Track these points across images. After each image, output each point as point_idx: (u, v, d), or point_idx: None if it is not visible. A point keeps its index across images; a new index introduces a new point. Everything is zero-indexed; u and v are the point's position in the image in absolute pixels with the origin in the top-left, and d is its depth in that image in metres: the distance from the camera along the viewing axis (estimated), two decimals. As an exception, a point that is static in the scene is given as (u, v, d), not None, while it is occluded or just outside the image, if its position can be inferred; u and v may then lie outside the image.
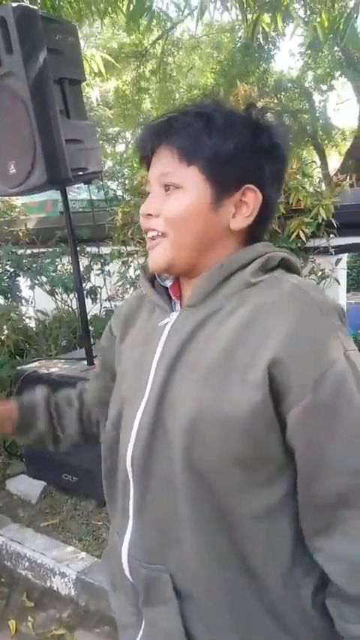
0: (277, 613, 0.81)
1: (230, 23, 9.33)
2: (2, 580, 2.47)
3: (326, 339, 0.74)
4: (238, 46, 11.10)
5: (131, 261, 3.37)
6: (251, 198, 0.82)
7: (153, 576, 0.83)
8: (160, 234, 0.83)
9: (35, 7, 2.26)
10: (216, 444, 0.76)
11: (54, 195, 4.32)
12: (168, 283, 0.92)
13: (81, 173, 2.38)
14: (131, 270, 3.34)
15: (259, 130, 0.81)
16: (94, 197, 3.27)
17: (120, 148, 14.98)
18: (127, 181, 4.40)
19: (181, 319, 0.85)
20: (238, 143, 0.79)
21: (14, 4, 2.12)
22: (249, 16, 3.66)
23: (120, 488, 0.91)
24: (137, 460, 0.84)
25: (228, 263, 0.82)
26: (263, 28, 3.79)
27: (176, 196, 0.80)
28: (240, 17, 3.80)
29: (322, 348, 0.73)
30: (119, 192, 4.24)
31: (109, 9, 3.59)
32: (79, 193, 5.07)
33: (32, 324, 4.13)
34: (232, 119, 0.80)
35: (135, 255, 3.31)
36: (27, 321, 4.11)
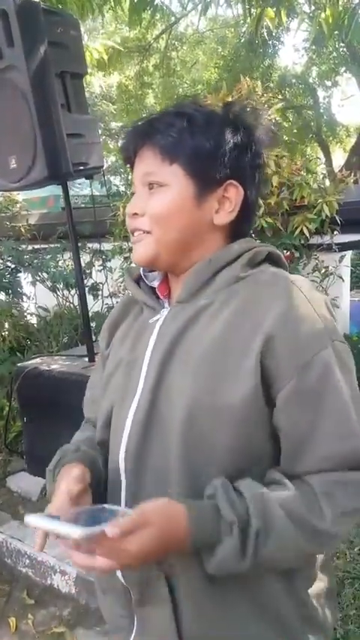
0: (266, 605, 0.81)
1: (234, 18, 9.27)
2: (3, 577, 2.47)
3: (313, 328, 0.77)
4: (242, 41, 11.04)
5: (133, 257, 3.35)
6: (233, 194, 0.85)
7: (147, 575, 0.83)
8: (145, 232, 0.85)
9: (37, 0, 2.23)
10: (210, 434, 0.77)
11: (56, 190, 4.30)
12: (155, 283, 0.94)
13: (82, 168, 2.36)
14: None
15: (237, 128, 0.84)
16: (96, 192, 3.25)
17: (123, 143, 14.90)
18: (129, 176, 4.37)
19: (172, 315, 0.87)
20: (218, 140, 0.82)
21: (16, -3, 2.10)
22: (253, 11, 3.63)
23: (110, 489, 0.90)
24: (131, 456, 0.83)
25: (216, 258, 0.85)
26: (267, 23, 3.76)
27: (160, 194, 0.83)
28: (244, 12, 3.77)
29: (308, 336, 0.76)
30: (122, 188, 4.22)
31: (112, 2, 3.56)
32: (82, 189, 5.06)
33: (33, 320, 4.12)
34: (212, 118, 0.84)
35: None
36: (28, 317, 4.10)
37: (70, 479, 0.80)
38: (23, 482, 2.97)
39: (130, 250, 3.37)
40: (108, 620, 0.98)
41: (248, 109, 0.90)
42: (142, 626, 0.87)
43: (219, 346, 0.79)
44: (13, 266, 3.63)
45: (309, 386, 0.75)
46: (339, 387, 0.76)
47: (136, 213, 0.86)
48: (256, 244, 0.88)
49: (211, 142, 0.82)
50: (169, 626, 0.81)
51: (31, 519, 0.69)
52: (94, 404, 1.03)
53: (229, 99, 2.69)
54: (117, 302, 3.66)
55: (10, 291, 3.63)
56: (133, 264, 0.97)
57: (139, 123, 0.86)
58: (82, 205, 4.68)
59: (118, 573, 0.87)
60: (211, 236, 0.87)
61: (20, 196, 4.68)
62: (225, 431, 0.77)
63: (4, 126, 2.25)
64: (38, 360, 2.97)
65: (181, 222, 0.83)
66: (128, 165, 0.90)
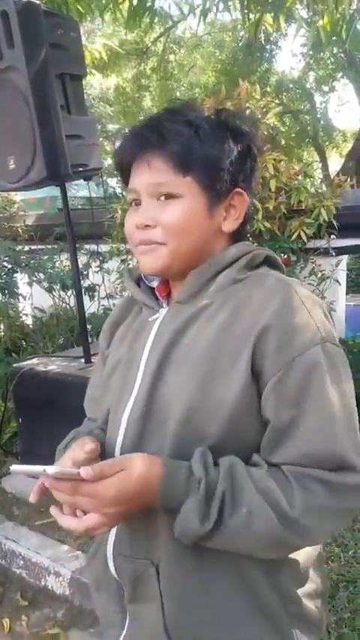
0: (252, 599, 0.82)
1: (232, 22, 9.31)
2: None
3: (302, 328, 0.77)
4: (240, 45, 11.08)
5: (130, 259, 3.36)
6: (239, 202, 0.87)
7: (139, 570, 0.84)
8: (159, 244, 0.84)
9: (37, 2, 2.24)
10: (204, 432, 0.78)
11: (53, 191, 4.30)
12: (154, 284, 0.94)
13: (81, 169, 2.36)
14: (130, 268, 3.33)
15: (236, 135, 0.85)
16: (93, 194, 3.25)
17: (120, 145, 14.89)
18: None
19: (171, 315, 0.88)
20: (223, 149, 0.83)
21: (17, -2, 2.10)
22: (251, 16, 3.65)
23: None
24: (127, 453, 0.83)
25: (214, 261, 0.86)
26: (265, 28, 3.78)
27: (174, 206, 0.82)
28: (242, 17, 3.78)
29: (296, 336, 0.77)
30: (119, 190, 4.23)
31: (110, 6, 3.57)
32: (78, 190, 5.06)
33: (29, 321, 4.12)
34: (213, 125, 0.84)
35: (134, 253, 3.30)
36: (24, 317, 4.09)
37: (79, 448, 0.80)
38: (18, 483, 2.97)
39: (128, 252, 3.39)
40: (101, 617, 0.99)
41: (246, 114, 0.91)
42: (135, 621, 0.88)
43: (215, 346, 0.79)
44: (9, 266, 3.63)
45: (293, 381, 0.76)
46: (325, 387, 0.76)
47: (148, 225, 0.83)
48: (253, 248, 0.89)
49: (218, 151, 0.82)
50: (158, 621, 0.82)
51: (15, 467, 0.72)
52: (94, 403, 1.03)
53: (229, 103, 2.70)
54: (113, 304, 3.67)
55: (6, 292, 3.63)
56: (130, 265, 0.97)
57: (142, 129, 0.83)
58: (80, 207, 4.68)
59: (112, 569, 0.88)
60: (217, 242, 0.88)
61: (17, 197, 4.68)
62: (219, 429, 0.78)
63: (4, 126, 2.25)
64: (34, 360, 2.96)
65: (195, 232, 0.83)
66: (123, 173, 0.87)
